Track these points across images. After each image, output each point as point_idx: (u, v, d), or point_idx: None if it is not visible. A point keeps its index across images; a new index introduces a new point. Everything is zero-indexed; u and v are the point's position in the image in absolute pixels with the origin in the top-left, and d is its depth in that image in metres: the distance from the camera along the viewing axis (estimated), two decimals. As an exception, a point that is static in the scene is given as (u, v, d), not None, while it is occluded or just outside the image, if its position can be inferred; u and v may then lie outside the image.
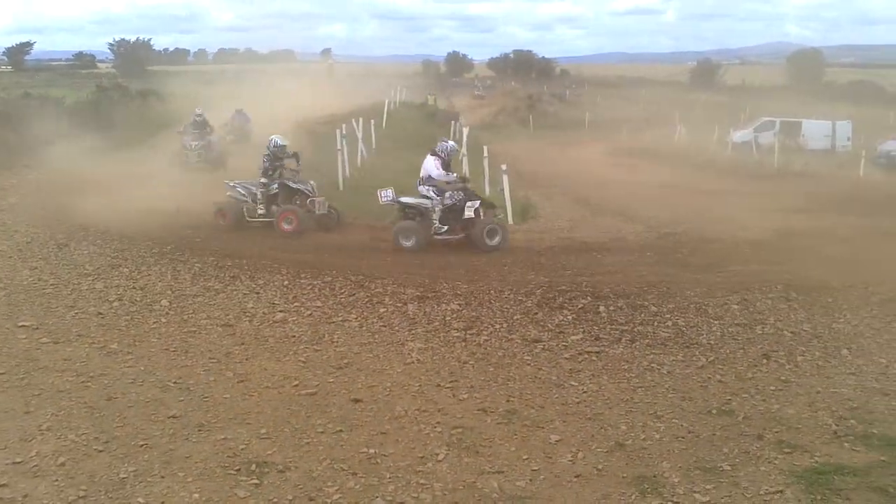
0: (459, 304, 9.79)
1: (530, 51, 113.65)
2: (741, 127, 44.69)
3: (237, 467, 5.70)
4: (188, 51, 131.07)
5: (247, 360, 7.99)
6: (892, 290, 10.75)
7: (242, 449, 6.01)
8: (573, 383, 7.50)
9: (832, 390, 7.40)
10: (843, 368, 7.99)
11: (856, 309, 9.96)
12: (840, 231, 15.12)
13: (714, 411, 6.90)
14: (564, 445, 6.17)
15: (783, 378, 7.70)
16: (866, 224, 16.08)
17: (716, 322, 9.34)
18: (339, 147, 20.05)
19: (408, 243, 13.31)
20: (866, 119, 48.17)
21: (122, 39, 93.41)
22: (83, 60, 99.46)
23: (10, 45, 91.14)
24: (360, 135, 24.59)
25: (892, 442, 6.21)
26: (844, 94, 73.77)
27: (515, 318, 9.39)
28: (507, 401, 7.06)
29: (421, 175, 14.07)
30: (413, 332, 8.88)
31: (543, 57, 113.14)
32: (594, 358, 8.17)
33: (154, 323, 9.04)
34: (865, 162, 29.63)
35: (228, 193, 15.32)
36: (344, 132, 20.53)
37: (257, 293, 10.16)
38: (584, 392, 7.30)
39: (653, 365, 7.99)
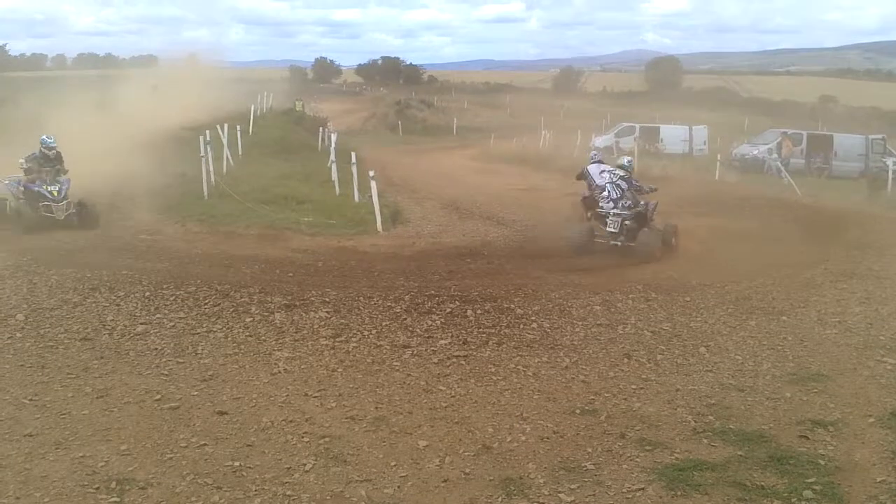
0: (328, 312, 9.71)
1: (398, 57, 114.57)
2: (603, 132, 46.04)
3: (96, 485, 5.47)
4: (46, 56, 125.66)
5: (107, 374, 7.66)
6: (746, 289, 11.31)
7: (102, 466, 5.78)
8: (441, 388, 7.54)
9: (691, 388, 7.67)
10: (701, 366, 8.29)
11: (712, 308, 10.42)
12: (697, 232, 15.73)
13: (578, 411, 7.05)
14: (432, 451, 6.19)
15: (644, 377, 7.93)
16: (722, 225, 16.81)
17: (579, 323, 9.58)
18: (202, 154, 19.46)
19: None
20: (722, 124, 50.40)
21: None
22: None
23: None
24: (225, 141, 24.02)
25: (748, 437, 6.48)
26: (701, 100, 76.84)
27: (384, 323, 9.38)
28: (376, 408, 7.04)
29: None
30: (280, 341, 8.72)
31: (411, 63, 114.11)
32: (462, 362, 8.23)
33: (9, 338, 8.59)
34: (721, 165, 30.97)
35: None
36: (208, 138, 19.98)
37: (118, 305, 9.79)
38: (453, 396, 7.35)
39: (519, 367, 8.10)
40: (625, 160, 15.28)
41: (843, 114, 66.32)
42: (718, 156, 32.45)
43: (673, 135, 44.29)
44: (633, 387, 7.65)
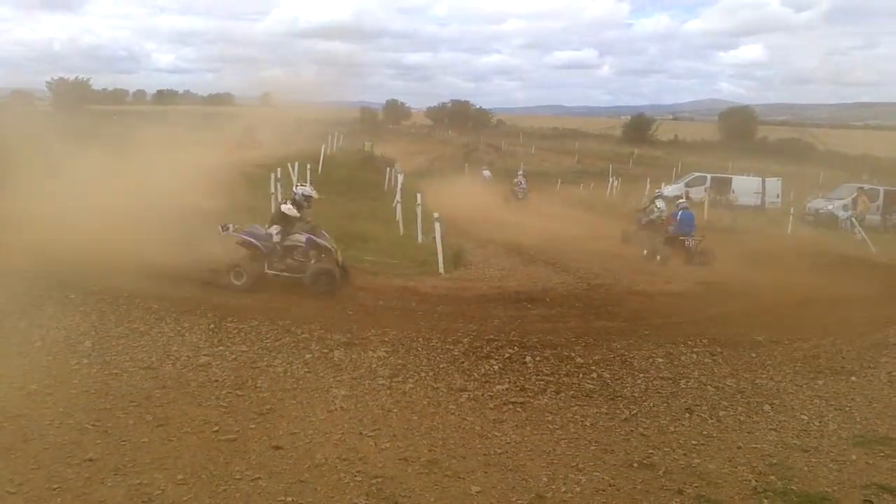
0: (386, 351, 9.73)
1: (467, 101, 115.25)
2: (673, 181, 45.59)
3: (151, 513, 5.55)
4: (127, 91, 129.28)
5: (167, 403, 7.80)
6: (815, 347, 11.02)
7: (158, 494, 5.88)
8: (497, 434, 7.49)
9: (753, 446, 7.51)
10: (765, 424, 8.12)
11: (779, 365, 10.18)
12: (767, 286, 15.43)
13: (636, 465, 6.93)
14: (485, 497, 6.14)
15: (705, 433, 7.79)
16: (792, 280, 16.44)
17: (640, 375, 9.44)
18: (272, 191, 19.78)
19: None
20: (796, 177, 49.55)
21: (61, 78, 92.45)
22: (21, 97, 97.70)
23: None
24: (295, 179, 24.39)
25: (811, 499, 6.32)
26: (775, 152, 75.79)
27: (442, 366, 9.37)
28: (430, 450, 7.02)
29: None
30: (338, 378, 8.77)
31: (480, 107, 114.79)
32: (519, 408, 8.17)
33: (76, 364, 8.79)
34: (794, 219, 30.36)
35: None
36: (279, 175, 20.33)
37: (182, 336, 9.95)
38: (508, 443, 7.29)
39: (577, 417, 8.02)
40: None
41: (921, 171, 64.70)
42: (791, 209, 31.81)
43: (745, 186, 43.61)
44: (694, 442, 7.51)
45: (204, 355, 9.29)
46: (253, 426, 7.35)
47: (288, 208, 13.85)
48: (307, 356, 9.45)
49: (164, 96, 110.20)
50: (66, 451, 6.55)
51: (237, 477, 6.27)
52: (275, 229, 13.69)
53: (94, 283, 11.89)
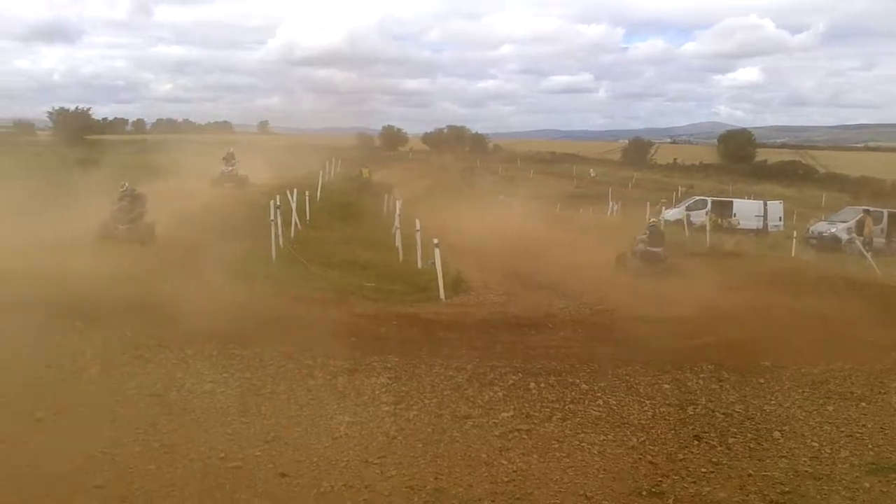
0: (389, 378, 9.69)
1: (464, 126, 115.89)
2: (673, 205, 45.65)
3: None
4: (126, 120, 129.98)
5: (173, 430, 7.74)
6: (823, 372, 10.93)
7: (164, 523, 5.82)
8: (503, 462, 7.42)
9: (764, 473, 7.43)
10: (775, 451, 8.04)
11: (787, 390, 10.10)
12: (772, 311, 15.39)
13: (644, 493, 6.87)
14: (492, 526, 6.07)
15: (714, 460, 7.72)
16: (798, 304, 16.39)
17: (647, 402, 9.37)
18: (272, 218, 19.80)
19: None
20: (797, 199, 49.64)
21: (62, 108, 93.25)
22: (22, 128, 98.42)
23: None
24: (293, 206, 24.48)
25: (822, 527, 6.24)
26: (776, 174, 76.04)
27: (445, 393, 9.30)
28: (436, 478, 6.96)
29: None
30: (342, 405, 8.71)
31: (477, 132, 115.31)
32: (524, 436, 8.10)
33: (82, 391, 8.73)
34: (797, 242, 30.30)
35: None
36: (278, 203, 20.34)
37: (186, 363, 9.91)
38: (514, 471, 7.23)
39: (584, 444, 7.95)
40: None
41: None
42: (794, 233, 31.77)
43: (747, 210, 43.72)
44: (703, 470, 7.44)
45: (208, 382, 9.22)
46: (258, 453, 7.30)
47: None
48: (311, 383, 9.40)
49: (163, 125, 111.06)
50: (74, 479, 6.50)
51: (244, 505, 6.21)
52: None
53: (99, 310, 11.87)
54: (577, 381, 10.00)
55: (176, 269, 16.40)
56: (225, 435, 7.71)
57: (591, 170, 78.16)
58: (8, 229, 17.50)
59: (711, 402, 9.50)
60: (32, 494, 6.15)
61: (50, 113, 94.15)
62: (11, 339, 10.49)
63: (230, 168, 34.67)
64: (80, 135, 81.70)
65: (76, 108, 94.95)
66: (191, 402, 8.60)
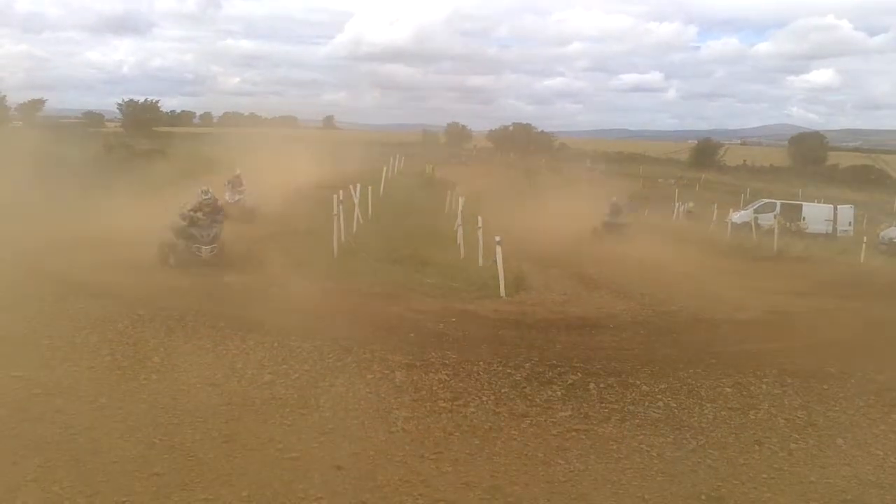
0: (448, 374, 9.68)
1: (529, 124, 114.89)
2: (741, 208, 44.92)
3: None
4: (194, 113, 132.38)
5: (233, 420, 7.86)
6: (890, 380, 10.63)
7: (222, 511, 5.89)
8: (560, 461, 7.37)
9: (826, 481, 7.26)
10: (838, 459, 7.84)
11: (853, 397, 9.84)
12: (839, 316, 15.06)
13: (703, 497, 6.76)
14: (548, 525, 6.03)
15: (776, 466, 7.56)
16: (866, 310, 16.02)
17: (708, 405, 9.22)
18: (335, 212, 19.96)
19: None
20: (869, 204, 48.46)
21: (131, 100, 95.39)
22: (92, 118, 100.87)
23: (22, 102, 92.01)
24: (356, 201, 24.65)
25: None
26: (847, 179, 74.36)
27: (503, 390, 9.27)
28: (492, 476, 6.93)
29: None
30: (399, 400, 8.74)
31: (542, 130, 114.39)
32: (582, 436, 8.03)
33: (144, 379, 8.91)
34: (867, 248, 29.60)
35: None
36: (341, 198, 20.50)
37: (247, 354, 10.04)
38: (571, 471, 7.17)
39: (642, 446, 7.85)
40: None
41: None
42: (864, 238, 31.04)
43: (816, 214, 42.85)
44: (764, 476, 7.29)
45: (268, 373, 9.35)
46: (315, 445, 7.36)
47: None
48: (369, 377, 9.45)
49: (230, 118, 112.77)
50: (134, 465, 6.62)
51: (300, 496, 6.27)
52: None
53: (160, 300, 12.11)
54: (638, 382, 9.87)
55: (237, 261, 16.68)
56: (283, 426, 7.79)
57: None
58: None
59: (774, 406, 9.29)
60: (93, 480, 6.27)
61: (119, 104, 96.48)
62: (77, 326, 10.78)
63: (237, 197, 26.44)
64: (148, 126, 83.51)
65: (145, 99, 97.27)
66: (250, 392, 8.72)
